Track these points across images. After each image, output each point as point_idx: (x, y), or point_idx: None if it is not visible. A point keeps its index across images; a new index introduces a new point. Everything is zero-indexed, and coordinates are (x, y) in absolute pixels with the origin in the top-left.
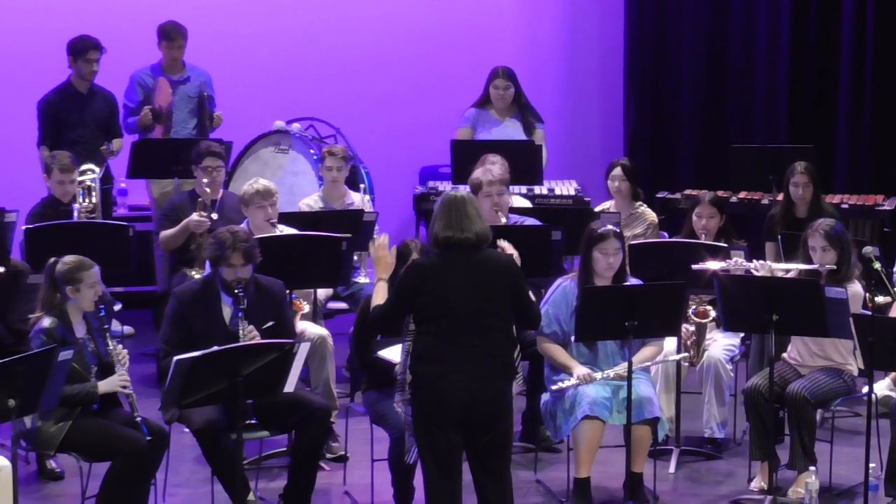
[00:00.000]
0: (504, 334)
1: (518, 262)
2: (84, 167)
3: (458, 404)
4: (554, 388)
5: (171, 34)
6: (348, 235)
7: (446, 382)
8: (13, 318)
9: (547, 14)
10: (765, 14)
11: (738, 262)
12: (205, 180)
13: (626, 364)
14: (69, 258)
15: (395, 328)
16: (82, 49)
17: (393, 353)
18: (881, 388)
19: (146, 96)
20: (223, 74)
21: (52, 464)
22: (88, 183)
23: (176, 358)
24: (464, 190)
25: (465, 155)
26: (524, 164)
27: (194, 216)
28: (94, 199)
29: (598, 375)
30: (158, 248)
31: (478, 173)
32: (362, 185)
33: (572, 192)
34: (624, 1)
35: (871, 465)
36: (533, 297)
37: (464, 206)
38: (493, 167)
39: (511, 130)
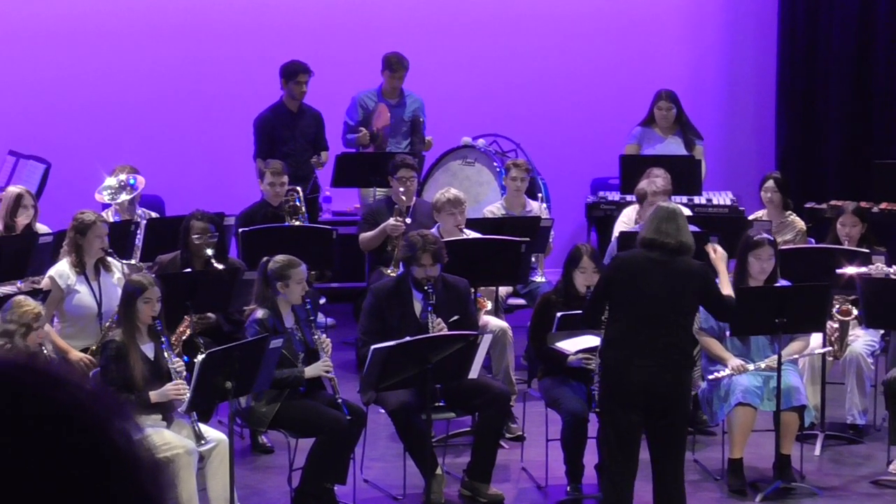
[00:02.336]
0: (685, 329)
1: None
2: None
3: (640, 388)
4: (711, 377)
5: (394, 65)
6: (527, 239)
7: (631, 367)
8: (231, 309)
9: (707, 41)
10: None
11: (878, 267)
12: (400, 189)
13: (775, 357)
14: (280, 257)
15: (599, 316)
16: (293, 72)
17: (566, 345)
18: None
19: (365, 117)
20: (419, 95)
21: (263, 439)
22: (294, 203)
23: (373, 347)
24: (672, 202)
25: (632, 168)
26: (685, 176)
27: (391, 221)
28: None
29: (751, 367)
30: None
31: (643, 184)
32: (540, 195)
33: (728, 203)
34: (776, 29)
35: None
36: None
37: (675, 217)
38: (657, 179)
39: (673, 147)
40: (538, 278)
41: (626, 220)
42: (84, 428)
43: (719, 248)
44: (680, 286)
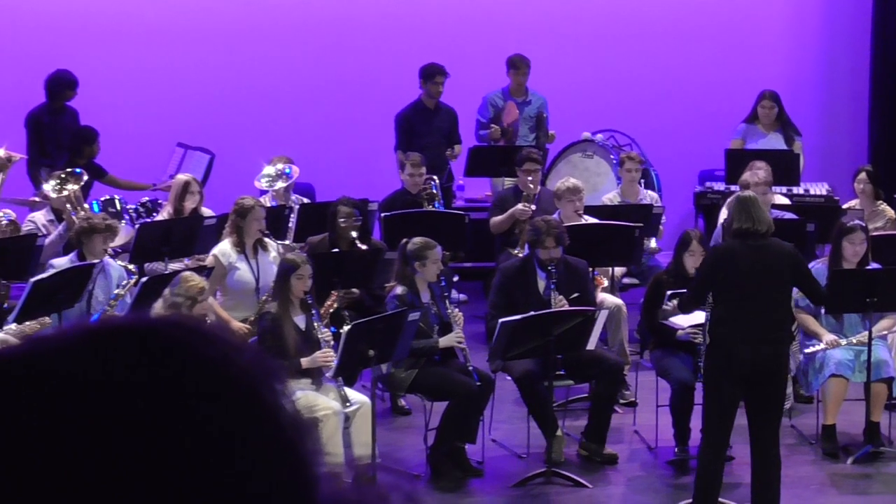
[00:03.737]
0: (783, 306)
1: None
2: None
3: (744, 363)
4: (807, 350)
5: (518, 65)
6: (640, 225)
7: (736, 344)
8: (373, 286)
9: (805, 43)
10: None
11: None
12: (528, 178)
13: (866, 332)
14: (417, 239)
15: (703, 300)
16: (431, 73)
17: (676, 320)
18: None
19: (496, 114)
20: (543, 94)
21: (402, 402)
22: (431, 191)
23: (501, 320)
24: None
25: (737, 161)
26: (785, 169)
27: (519, 206)
28: (437, 200)
29: (843, 341)
30: None
31: (746, 176)
32: (651, 185)
33: (824, 193)
34: (870, 31)
35: None
36: None
37: (757, 203)
38: (759, 171)
39: (774, 142)
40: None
41: (730, 209)
42: (237, 385)
43: None
44: (776, 266)
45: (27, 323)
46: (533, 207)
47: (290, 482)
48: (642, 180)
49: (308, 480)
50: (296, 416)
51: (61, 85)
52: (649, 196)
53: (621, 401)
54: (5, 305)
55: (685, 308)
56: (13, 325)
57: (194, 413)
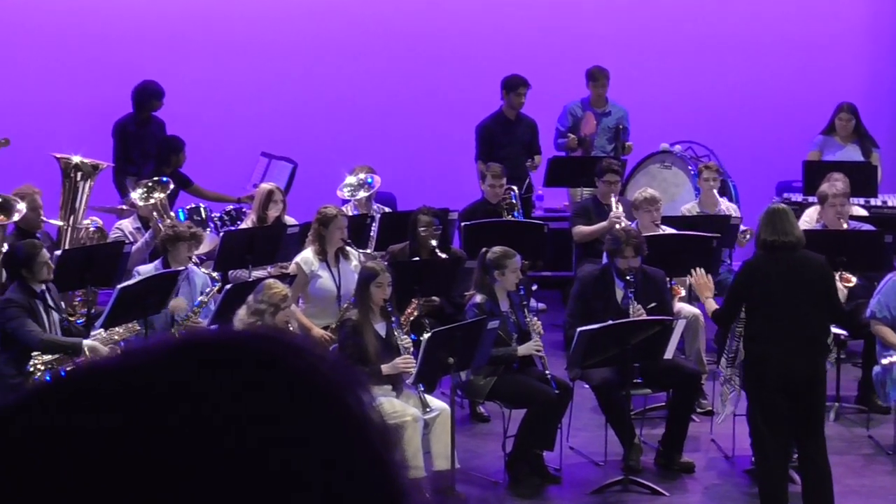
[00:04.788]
0: (818, 319)
1: None
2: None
3: (780, 374)
4: (884, 361)
5: (597, 76)
6: (718, 235)
7: (770, 359)
8: (454, 294)
9: (882, 57)
10: None
11: None
12: (610, 191)
13: None
14: (497, 248)
15: (735, 315)
16: (514, 85)
17: None
18: None
19: (574, 124)
20: (623, 105)
21: (481, 409)
22: (511, 201)
23: (579, 329)
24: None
25: (815, 172)
26: (862, 180)
27: (616, 211)
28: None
29: None
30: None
31: (824, 187)
32: (729, 196)
33: None
34: None
35: None
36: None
37: (785, 215)
38: (836, 182)
39: (852, 153)
40: (727, 270)
41: (808, 220)
42: (322, 393)
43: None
44: (807, 279)
45: (115, 329)
46: (622, 214)
47: (380, 492)
48: (722, 191)
49: (397, 490)
50: (383, 425)
51: (148, 95)
52: (727, 207)
53: (698, 409)
54: (92, 311)
55: (719, 323)
56: (101, 331)
57: (286, 426)
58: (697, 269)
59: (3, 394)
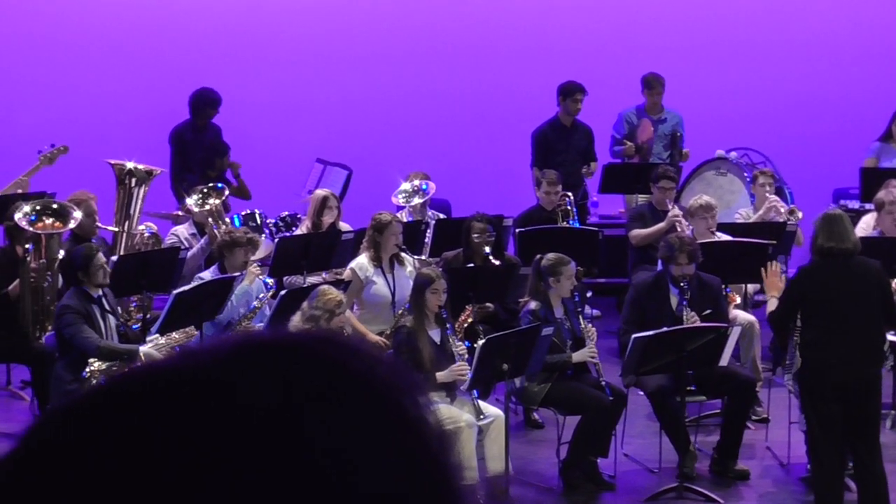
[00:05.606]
0: (874, 326)
1: None
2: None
3: (836, 382)
4: None
5: (652, 84)
6: (773, 242)
7: (826, 366)
8: (508, 301)
9: None
10: None
11: None
12: (665, 197)
13: None
14: (551, 255)
15: (789, 322)
16: (570, 91)
17: None
18: None
19: (630, 130)
20: (679, 112)
21: (535, 415)
22: (566, 207)
23: (634, 335)
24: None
25: (871, 179)
26: None
27: (674, 211)
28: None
29: None
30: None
31: (881, 194)
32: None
33: None
34: None
35: None
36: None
37: (841, 221)
38: (894, 189)
39: None
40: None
41: (865, 227)
42: (380, 396)
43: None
44: (864, 286)
45: (172, 334)
46: (680, 213)
47: (436, 496)
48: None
49: (453, 493)
50: (439, 428)
51: (205, 102)
52: (780, 207)
53: (753, 417)
54: (148, 316)
55: (772, 324)
56: (157, 335)
57: (343, 427)
58: (774, 262)
59: (59, 399)
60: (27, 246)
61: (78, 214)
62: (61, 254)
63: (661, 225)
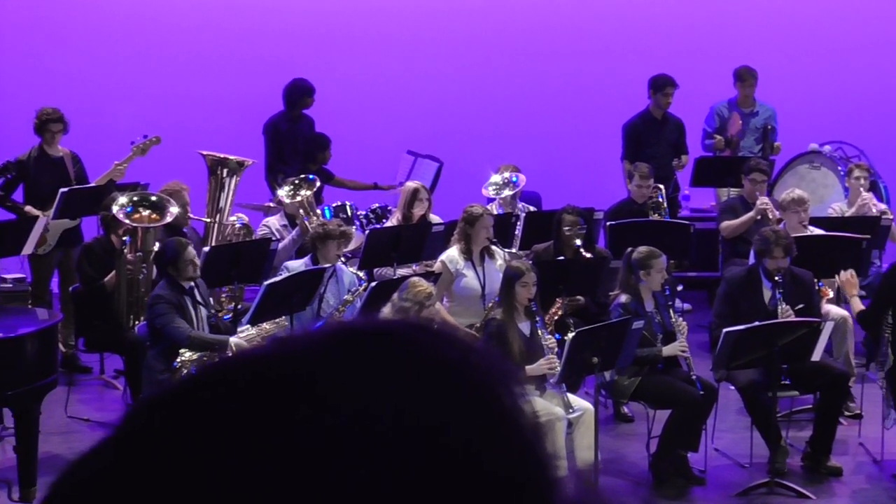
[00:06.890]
0: None
1: None
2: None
3: None
4: None
5: (744, 77)
6: (867, 236)
7: None
8: (598, 293)
9: None
10: None
11: None
12: (757, 190)
13: None
14: (642, 248)
15: (882, 319)
16: (661, 84)
17: None
18: None
19: (721, 124)
20: (771, 105)
21: (624, 409)
22: (657, 200)
23: (725, 329)
24: None
25: None
26: None
27: (762, 199)
28: (663, 209)
29: None
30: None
31: None
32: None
33: None
34: None
35: None
36: None
37: None
38: None
39: None
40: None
41: None
42: (474, 384)
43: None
44: None
45: (263, 325)
46: (769, 201)
47: (532, 484)
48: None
49: (548, 482)
50: (534, 418)
51: (299, 93)
52: (879, 207)
53: (846, 413)
54: (239, 307)
55: (864, 324)
56: (248, 326)
57: (438, 414)
58: (849, 271)
59: (150, 388)
60: (124, 238)
61: (175, 209)
62: (157, 246)
63: (750, 214)
